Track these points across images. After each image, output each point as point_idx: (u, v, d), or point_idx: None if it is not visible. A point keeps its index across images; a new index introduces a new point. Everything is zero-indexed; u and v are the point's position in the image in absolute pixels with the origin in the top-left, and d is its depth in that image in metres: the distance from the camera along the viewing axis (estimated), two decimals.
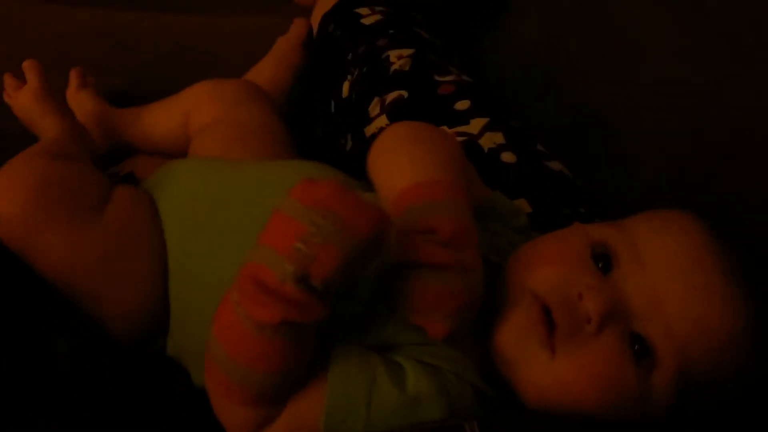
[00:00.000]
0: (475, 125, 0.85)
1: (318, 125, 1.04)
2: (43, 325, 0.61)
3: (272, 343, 0.48)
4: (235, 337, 0.49)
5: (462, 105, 0.89)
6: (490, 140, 0.83)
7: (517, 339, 0.54)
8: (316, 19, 1.13)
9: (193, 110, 0.83)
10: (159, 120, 0.89)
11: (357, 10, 1.07)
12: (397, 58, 0.97)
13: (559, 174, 0.82)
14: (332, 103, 1.01)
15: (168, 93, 0.91)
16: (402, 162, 0.59)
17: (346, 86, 0.99)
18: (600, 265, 0.54)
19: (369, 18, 1.05)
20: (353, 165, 0.92)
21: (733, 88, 0.74)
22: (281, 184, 0.57)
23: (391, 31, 1.02)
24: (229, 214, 0.66)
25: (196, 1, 1.17)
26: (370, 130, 0.91)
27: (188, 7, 1.06)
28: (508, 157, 0.81)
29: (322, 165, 0.73)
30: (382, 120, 0.90)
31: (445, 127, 0.85)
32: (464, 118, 0.87)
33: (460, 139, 0.84)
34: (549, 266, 0.55)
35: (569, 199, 0.79)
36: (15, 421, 0.54)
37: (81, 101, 0.94)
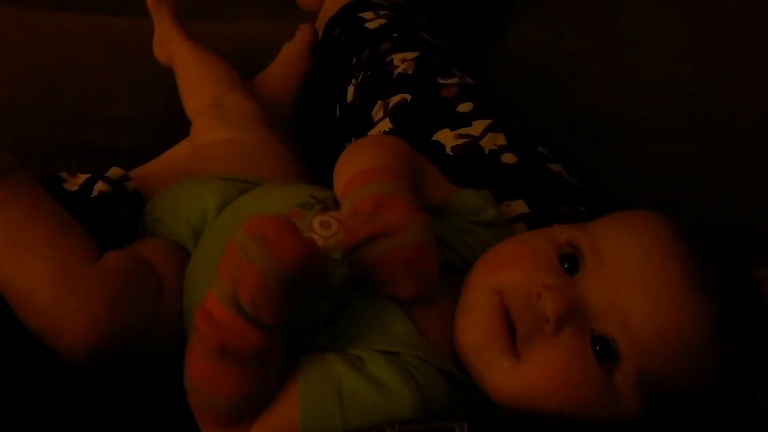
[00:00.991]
0: (477, 127, 0.85)
1: (323, 129, 1.05)
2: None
3: (222, 370, 0.50)
4: (193, 365, 0.52)
5: (464, 107, 0.89)
6: (491, 142, 0.83)
7: (479, 343, 0.54)
8: (321, 24, 1.14)
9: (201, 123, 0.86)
10: (195, 90, 0.93)
11: (361, 15, 1.07)
12: (401, 61, 0.97)
13: (558, 175, 0.82)
14: (337, 107, 1.01)
15: (175, 101, 0.93)
16: (344, 165, 0.64)
17: (350, 90, 1.00)
18: (566, 266, 0.54)
19: (373, 22, 1.06)
20: None
21: (736, 89, 0.74)
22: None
23: (395, 35, 1.03)
24: (210, 244, 0.67)
25: (201, 6, 1.18)
26: (373, 133, 0.91)
27: (194, 13, 1.06)
28: (508, 158, 0.81)
29: (297, 190, 0.72)
30: (385, 123, 0.90)
31: (447, 130, 0.86)
32: (466, 120, 0.87)
33: (462, 141, 0.84)
34: (512, 267, 0.55)
35: (568, 199, 0.79)
36: (15, 421, 0.54)
37: (159, 10, 1.01)
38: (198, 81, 0.94)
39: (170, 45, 1.00)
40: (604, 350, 0.52)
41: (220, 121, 0.86)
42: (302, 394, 0.53)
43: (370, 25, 1.05)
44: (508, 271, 0.55)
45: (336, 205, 0.68)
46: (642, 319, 0.51)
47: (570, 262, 0.55)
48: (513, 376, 0.53)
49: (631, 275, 0.52)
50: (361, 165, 0.61)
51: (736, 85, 0.74)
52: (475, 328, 0.55)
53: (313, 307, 0.56)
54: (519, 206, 0.75)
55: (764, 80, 0.71)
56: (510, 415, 0.54)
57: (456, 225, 0.64)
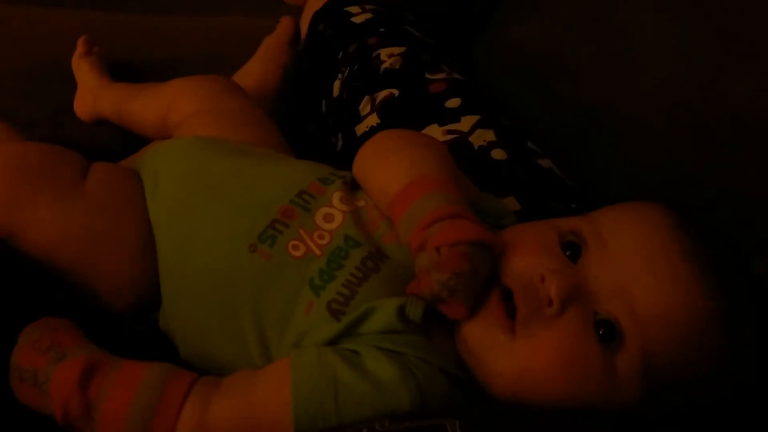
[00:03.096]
0: (466, 123, 0.85)
1: (310, 125, 1.04)
2: (33, 305, 0.61)
3: None
4: None
5: (453, 103, 0.88)
6: (480, 138, 0.82)
7: (478, 327, 0.54)
8: (306, 19, 1.13)
9: (172, 104, 0.82)
10: (147, 107, 0.87)
11: (347, 9, 1.06)
12: (388, 56, 0.96)
13: (548, 171, 0.82)
14: (323, 102, 1.00)
15: None
16: (393, 165, 0.62)
17: (336, 85, 0.98)
18: (568, 253, 0.55)
19: (359, 17, 1.05)
20: (343, 165, 0.92)
21: (730, 87, 0.74)
22: (271, 191, 0.64)
23: (382, 30, 1.02)
24: (220, 208, 0.65)
25: (184, 2, 1.17)
26: (360, 129, 0.90)
27: (177, 8, 1.05)
28: (498, 154, 0.81)
29: (316, 166, 0.72)
30: (373, 119, 0.89)
31: (435, 125, 0.85)
32: (455, 115, 0.86)
33: (450, 136, 0.83)
34: (516, 255, 0.55)
35: (559, 196, 0.79)
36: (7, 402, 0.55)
37: (82, 68, 0.96)
38: (151, 95, 0.87)
39: (95, 95, 0.94)
40: (608, 332, 0.52)
41: (199, 97, 0.82)
42: (295, 387, 0.53)
43: (357, 20, 1.04)
44: (512, 258, 0.55)
45: (355, 185, 0.67)
46: (648, 300, 0.52)
47: (572, 249, 0.55)
48: (511, 355, 0.53)
49: (635, 258, 0.53)
50: (410, 171, 0.60)
51: (730, 83, 0.73)
52: (475, 316, 0.55)
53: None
54: (510, 203, 0.74)
55: (758, 78, 0.71)
56: (502, 412, 0.54)
57: None
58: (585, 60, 0.92)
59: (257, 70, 1.04)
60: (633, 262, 0.53)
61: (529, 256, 0.55)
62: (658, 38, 0.83)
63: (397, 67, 0.95)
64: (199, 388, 0.56)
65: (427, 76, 0.93)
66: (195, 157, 0.70)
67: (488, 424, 0.50)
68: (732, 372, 0.53)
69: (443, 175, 0.60)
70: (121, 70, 0.99)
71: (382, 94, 0.91)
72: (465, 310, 0.54)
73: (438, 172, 0.60)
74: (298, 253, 0.60)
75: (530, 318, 0.52)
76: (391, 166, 0.62)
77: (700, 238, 0.54)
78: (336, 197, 0.63)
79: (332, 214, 0.63)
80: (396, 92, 0.91)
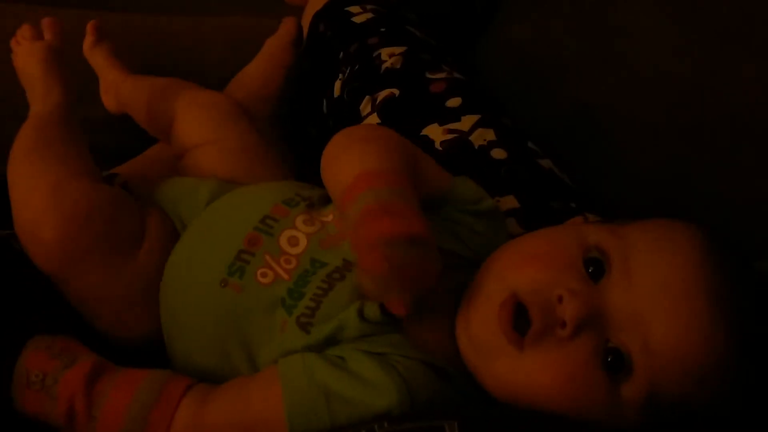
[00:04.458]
0: (466, 122, 0.85)
1: (311, 125, 1.04)
2: (29, 316, 0.62)
3: None
4: None
5: (453, 102, 0.88)
6: (480, 137, 0.82)
7: (487, 334, 0.53)
8: (307, 19, 1.13)
9: (179, 127, 0.82)
10: (154, 118, 0.88)
11: (348, 9, 1.06)
12: (389, 56, 0.96)
13: (548, 171, 0.82)
14: (324, 102, 1.00)
15: None
16: (343, 163, 0.60)
17: (337, 85, 0.98)
18: (590, 269, 0.53)
19: (360, 16, 1.05)
20: None
21: (729, 85, 0.74)
22: (237, 221, 0.65)
23: (383, 30, 1.02)
24: (194, 246, 0.67)
25: (186, 2, 1.17)
26: None
27: (180, 6, 1.05)
28: (498, 153, 0.81)
29: (283, 186, 0.72)
30: (374, 118, 0.89)
31: (436, 125, 0.85)
32: (455, 115, 0.86)
33: (451, 136, 0.83)
34: (536, 266, 0.54)
35: (558, 195, 0.78)
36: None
37: (97, 59, 0.96)
38: (160, 103, 0.87)
39: (116, 88, 0.96)
40: (616, 362, 0.51)
41: (206, 129, 0.82)
42: (286, 394, 0.54)
43: (357, 20, 1.04)
44: (532, 269, 0.53)
45: (322, 203, 0.68)
46: (664, 338, 0.50)
47: (595, 266, 0.53)
48: (517, 370, 0.52)
49: (658, 292, 0.51)
50: (357, 166, 0.58)
51: (727, 79, 0.73)
52: (485, 320, 0.53)
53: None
54: (509, 201, 0.74)
55: (755, 73, 0.70)
56: (500, 413, 0.53)
57: (450, 216, 0.64)
58: (584, 59, 0.92)
59: (260, 71, 1.04)
60: (655, 296, 0.51)
61: (549, 271, 0.53)
62: (657, 37, 0.83)
63: (398, 66, 0.95)
64: (195, 389, 0.58)
65: (428, 75, 0.93)
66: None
67: (486, 425, 0.50)
68: (731, 404, 0.52)
69: (387, 167, 0.57)
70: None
71: (382, 94, 0.91)
72: (403, 308, 0.53)
73: (382, 164, 0.58)
74: (266, 281, 0.61)
75: (541, 335, 0.51)
76: (342, 164, 0.60)
77: (729, 271, 0.52)
78: (299, 220, 0.64)
79: (296, 237, 0.63)
80: (396, 92, 0.91)
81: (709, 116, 0.75)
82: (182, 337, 0.64)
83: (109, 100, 0.97)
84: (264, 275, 0.61)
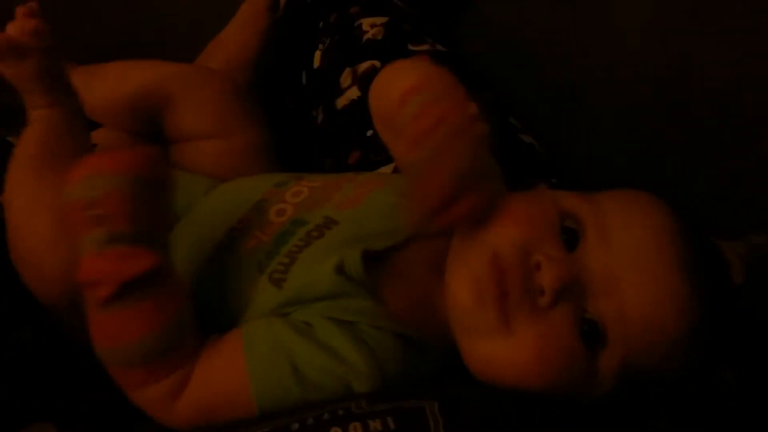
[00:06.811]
0: None
1: (289, 97, 1.03)
2: (9, 315, 0.61)
3: (126, 313, 0.52)
4: (99, 326, 0.53)
5: None
6: None
7: (470, 305, 0.52)
8: None
9: (172, 101, 0.79)
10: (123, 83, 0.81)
11: None
12: (370, 26, 0.95)
13: (529, 146, 0.82)
14: (303, 74, 0.99)
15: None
16: (392, 80, 0.63)
17: (317, 56, 0.97)
18: (565, 237, 0.53)
19: None
20: (324, 139, 0.91)
21: (706, 63, 0.74)
22: (231, 209, 0.65)
23: None
24: (188, 240, 0.65)
25: None
26: (341, 102, 0.89)
27: None
28: None
29: (276, 175, 0.71)
30: (354, 92, 0.89)
31: None
32: None
33: None
34: (516, 226, 0.53)
35: (539, 171, 0.79)
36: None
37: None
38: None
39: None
40: (591, 333, 0.51)
41: (209, 112, 0.80)
42: (251, 364, 0.53)
43: None
44: (512, 229, 0.53)
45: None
46: (638, 303, 0.51)
47: (569, 235, 0.53)
48: (501, 346, 0.51)
49: (634, 258, 0.51)
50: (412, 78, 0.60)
51: (707, 60, 0.74)
52: (467, 288, 0.52)
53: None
54: None
55: (735, 55, 0.71)
56: (480, 393, 0.53)
57: None
58: (562, 36, 0.92)
59: (235, 37, 1.02)
60: (631, 264, 0.51)
61: (529, 232, 0.52)
62: (635, 15, 0.83)
63: (380, 38, 0.94)
64: None
65: (410, 47, 0.92)
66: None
67: (466, 404, 0.50)
68: (699, 364, 0.55)
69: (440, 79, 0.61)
70: (100, 42, 0.97)
71: (363, 66, 0.90)
72: (467, 208, 0.52)
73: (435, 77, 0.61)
74: (249, 245, 0.61)
75: (520, 303, 0.51)
76: (392, 80, 0.64)
77: (693, 239, 0.53)
78: (289, 194, 0.64)
79: (284, 209, 0.63)
80: (378, 64, 0.90)
81: (687, 95, 0.76)
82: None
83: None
84: (247, 243, 0.61)
